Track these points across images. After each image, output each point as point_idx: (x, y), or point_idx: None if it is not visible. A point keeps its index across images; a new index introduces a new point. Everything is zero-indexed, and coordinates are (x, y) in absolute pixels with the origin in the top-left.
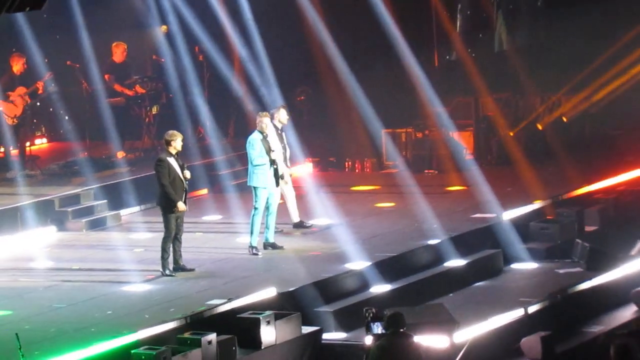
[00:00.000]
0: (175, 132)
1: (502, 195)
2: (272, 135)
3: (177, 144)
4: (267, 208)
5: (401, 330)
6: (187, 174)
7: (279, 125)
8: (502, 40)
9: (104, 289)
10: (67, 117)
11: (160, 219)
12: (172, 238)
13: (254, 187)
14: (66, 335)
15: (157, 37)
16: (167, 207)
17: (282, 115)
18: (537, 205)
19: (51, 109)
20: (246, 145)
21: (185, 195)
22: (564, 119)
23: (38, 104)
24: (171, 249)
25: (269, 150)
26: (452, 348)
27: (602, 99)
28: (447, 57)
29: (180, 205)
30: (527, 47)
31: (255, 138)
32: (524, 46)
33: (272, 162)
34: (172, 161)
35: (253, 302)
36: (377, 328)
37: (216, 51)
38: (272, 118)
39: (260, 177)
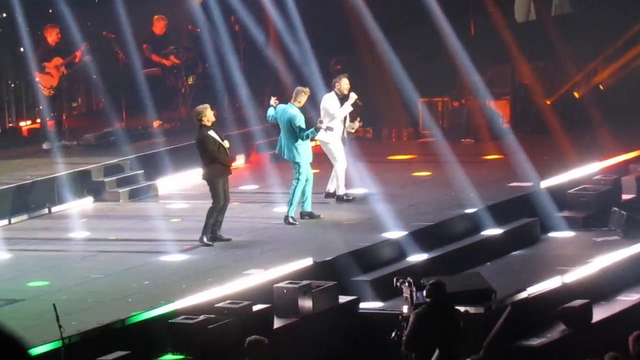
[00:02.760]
0: (201, 107)
1: (539, 164)
2: (336, 104)
3: (209, 116)
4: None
5: (442, 299)
6: (226, 143)
7: (340, 94)
8: (528, 10)
9: (141, 259)
10: (103, 88)
11: (198, 190)
12: (219, 209)
13: (297, 162)
14: (103, 306)
15: (193, 7)
16: (216, 177)
17: (344, 84)
18: (574, 173)
19: (87, 80)
20: (289, 118)
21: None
22: (601, 87)
23: (73, 71)
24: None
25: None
26: (490, 317)
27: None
28: (483, 24)
29: (225, 143)
30: (562, 15)
31: (300, 115)
32: (559, 15)
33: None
34: (212, 133)
35: (290, 272)
36: (421, 297)
37: (252, 21)
38: (333, 87)
39: (304, 152)
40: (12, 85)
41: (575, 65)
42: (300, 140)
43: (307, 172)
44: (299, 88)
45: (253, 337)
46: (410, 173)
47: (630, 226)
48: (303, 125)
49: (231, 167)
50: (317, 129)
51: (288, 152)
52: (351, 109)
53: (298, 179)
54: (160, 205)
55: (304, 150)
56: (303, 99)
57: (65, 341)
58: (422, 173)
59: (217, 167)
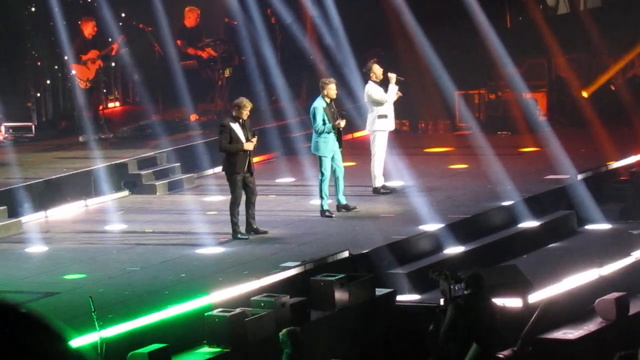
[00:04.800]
0: (245, 101)
1: (575, 156)
2: (379, 90)
3: (241, 112)
4: (334, 171)
5: (480, 291)
6: (251, 143)
7: (378, 81)
8: (558, 2)
9: (177, 251)
10: (139, 80)
11: None
12: (238, 203)
13: (318, 156)
14: (139, 298)
15: None
16: (231, 171)
17: (377, 70)
18: (610, 166)
19: (124, 72)
20: (309, 112)
21: (249, 161)
22: (638, 80)
23: (113, 64)
24: (240, 212)
25: (332, 118)
26: (526, 309)
27: None
28: (519, 17)
29: (247, 145)
30: (600, 7)
31: (317, 106)
32: (596, 7)
33: (335, 129)
34: (235, 127)
35: (326, 264)
36: (459, 289)
37: (288, 13)
38: (368, 78)
39: (322, 145)
40: (49, 77)
41: (611, 57)
42: (320, 134)
43: (329, 165)
44: (322, 80)
45: (286, 329)
46: (447, 165)
47: None
48: (319, 118)
49: (246, 165)
50: (335, 127)
51: (312, 144)
52: (397, 88)
53: (321, 172)
54: (197, 197)
55: (324, 145)
56: (328, 89)
57: (102, 334)
58: (458, 165)
59: (231, 160)
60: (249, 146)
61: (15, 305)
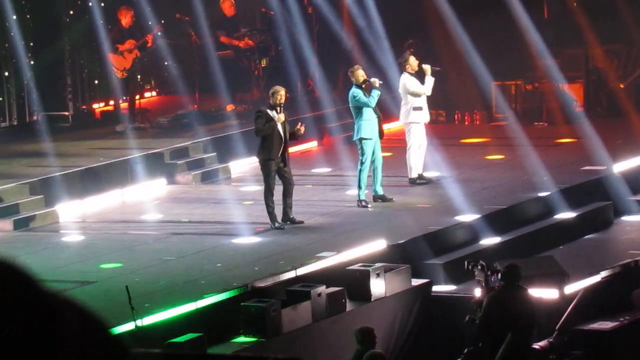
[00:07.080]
0: (276, 87)
1: (612, 148)
2: (415, 82)
3: (276, 98)
4: (373, 161)
5: (516, 282)
6: (282, 116)
7: (413, 72)
8: None
9: (214, 241)
10: (176, 70)
11: None
12: (272, 191)
13: (360, 140)
14: (176, 288)
15: None
16: (266, 157)
17: (412, 62)
18: None
19: (160, 62)
20: (350, 100)
21: (284, 150)
22: None
23: (145, 59)
24: (274, 202)
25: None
26: (563, 300)
27: None
28: (556, 7)
29: (278, 118)
30: None
31: (355, 90)
32: None
33: (376, 113)
34: (273, 114)
35: (363, 255)
36: (495, 280)
37: (325, 3)
38: (403, 69)
39: (367, 127)
40: (86, 67)
41: None
42: (363, 117)
43: (370, 151)
44: (349, 70)
45: (359, 327)
46: (484, 156)
47: None
48: (361, 95)
49: (280, 153)
50: (376, 87)
51: (354, 132)
52: (433, 79)
53: (361, 160)
54: (233, 187)
55: (368, 126)
56: (356, 75)
57: (138, 323)
58: (495, 156)
59: (266, 145)
60: (281, 118)
61: (56, 292)
